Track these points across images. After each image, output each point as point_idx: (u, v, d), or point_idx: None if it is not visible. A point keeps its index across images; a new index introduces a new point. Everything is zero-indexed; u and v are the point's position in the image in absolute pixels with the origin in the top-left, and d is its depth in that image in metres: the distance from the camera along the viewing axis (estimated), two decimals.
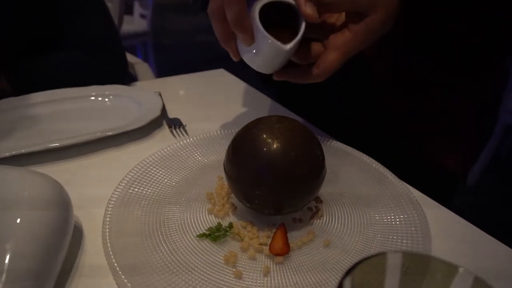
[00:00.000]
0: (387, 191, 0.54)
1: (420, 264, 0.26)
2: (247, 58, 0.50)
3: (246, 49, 0.48)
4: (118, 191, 0.50)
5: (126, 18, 2.86)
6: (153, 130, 0.69)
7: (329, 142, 0.64)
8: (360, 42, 0.47)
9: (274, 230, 0.45)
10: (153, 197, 0.51)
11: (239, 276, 0.40)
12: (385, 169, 0.57)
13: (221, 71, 1.01)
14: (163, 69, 3.07)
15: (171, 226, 0.46)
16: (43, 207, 0.38)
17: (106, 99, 0.75)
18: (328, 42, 0.48)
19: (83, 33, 0.80)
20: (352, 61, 0.50)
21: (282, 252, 0.42)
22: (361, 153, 0.61)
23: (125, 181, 0.52)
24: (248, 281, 0.40)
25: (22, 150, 0.56)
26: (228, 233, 0.45)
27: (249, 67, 0.52)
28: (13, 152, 0.56)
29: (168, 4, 5.31)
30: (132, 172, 0.54)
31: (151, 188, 0.52)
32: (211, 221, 0.48)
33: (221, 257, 0.42)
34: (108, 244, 0.42)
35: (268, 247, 0.43)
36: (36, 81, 0.75)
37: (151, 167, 0.56)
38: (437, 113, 0.67)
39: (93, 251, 0.43)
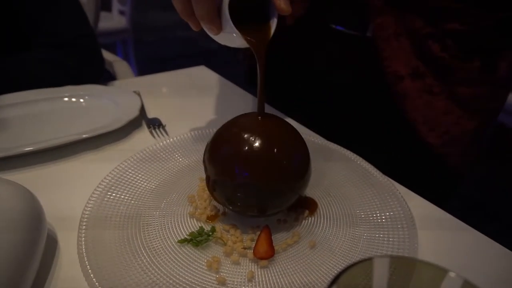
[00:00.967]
0: (372, 188, 0.53)
1: (408, 268, 0.25)
2: (209, 33, 0.48)
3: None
4: (94, 197, 0.48)
5: (105, 14, 2.79)
6: (131, 131, 0.67)
7: (312, 139, 0.63)
8: None
9: (258, 232, 0.44)
10: (132, 202, 0.49)
11: (222, 282, 0.39)
12: (370, 165, 0.57)
13: (202, 68, 0.99)
14: (144, 66, 3.01)
15: (151, 232, 0.45)
16: (12, 218, 0.36)
17: (81, 100, 0.73)
18: None
19: (54, 30, 0.77)
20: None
21: (266, 255, 0.41)
22: (346, 150, 0.60)
23: (102, 186, 0.50)
24: (232, 287, 0.39)
25: None
26: (210, 238, 0.43)
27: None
28: None
29: (147, 0, 5.22)
30: (109, 177, 0.52)
31: (129, 193, 0.50)
32: (193, 225, 0.46)
33: (203, 263, 0.41)
34: (84, 254, 0.40)
35: (252, 251, 0.42)
36: (5, 82, 0.71)
37: (129, 171, 0.54)
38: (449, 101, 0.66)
39: (68, 262, 0.41)
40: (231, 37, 0.45)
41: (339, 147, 0.61)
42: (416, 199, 0.53)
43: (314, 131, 0.67)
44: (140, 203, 0.49)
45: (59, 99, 0.72)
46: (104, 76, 1.01)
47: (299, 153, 0.44)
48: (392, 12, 0.61)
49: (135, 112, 0.67)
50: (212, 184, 0.45)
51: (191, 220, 0.47)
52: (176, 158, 0.58)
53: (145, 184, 0.52)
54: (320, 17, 0.70)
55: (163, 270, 0.40)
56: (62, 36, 0.77)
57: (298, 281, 0.39)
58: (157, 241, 0.44)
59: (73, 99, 0.72)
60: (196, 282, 0.39)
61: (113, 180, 0.51)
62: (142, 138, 0.66)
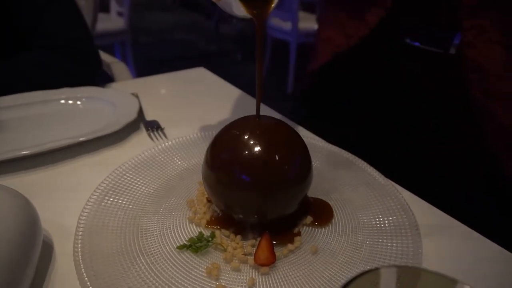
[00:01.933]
0: (374, 192, 0.52)
1: (415, 278, 0.24)
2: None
3: None
4: (91, 203, 0.47)
5: (103, 16, 2.78)
6: (129, 134, 0.66)
7: (314, 142, 0.62)
8: None
9: (259, 238, 0.43)
10: (130, 207, 0.48)
11: None
12: (372, 169, 0.56)
13: (201, 70, 0.98)
14: (142, 68, 3.00)
15: (149, 238, 0.44)
16: (7, 225, 0.35)
17: (78, 102, 0.72)
18: None
19: (50, 32, 0.76)
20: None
21: (267, 262, 0.40)
22: (348, 153, 0.60)
23: (99, 191, 0.49)
24: None
25: None
26: (210, 243, 0.43)
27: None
28: None
29: (145, 1, 5.22)
30: (107, 181, 0.51)
31: (127, 197, 0.49)
32: (192, 230, 0.46)
33: (203, 270, 0.40)
34: (80, 260, 0.39)
35: (253, 257, 0.41)
36: (0, 84, 0.70)
37: (127, 174, 0.53)
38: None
39: (64, 269, 0.40)
40: (232, 4, 0.44)
41: (340, 149, 0.61)
42: (420, 204, 0.52)
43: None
44: (138, 208, 0.48)
45: (55, 101, 0.71)
46: (102, 78, 1.01)
47: (300, 156, 0.44)
48: (489, 14, 0.53)
49: (133, 115, 0.66)
50: (211, 189, 0.44)
51: (190, 225, 0.46)
52: (174, 162, 0.58)
53: (143, 188, 0.52)
54: (394, 30, 0.63)
55: (161, 277, 0.39)
56: (58, 39, 0.77)
57: None
58: (156, 247, 0.43)
59: (70, 102, 0.71)
60: None
61: (110, 185, 0.50)
62: (141, 141, 0.65)
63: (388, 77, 0.68)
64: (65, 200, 0.50)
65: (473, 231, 0.47)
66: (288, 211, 0.44)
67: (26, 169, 0.56)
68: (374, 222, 0.48)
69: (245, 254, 0.42)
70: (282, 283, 0.39)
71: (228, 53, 3.86)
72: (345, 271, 0.41)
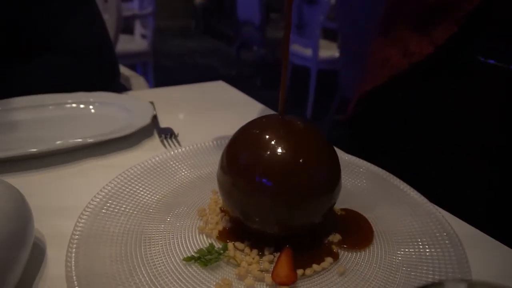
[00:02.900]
0: (410, 211, 0.46)
1: None
2: None
3: None
4: (91, 207, 0.42)
5: (127, 37, 2.86)
6: (141, 140, 0.62)
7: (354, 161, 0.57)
8: None
9: (278, 254, 0.38)
10: (134, 213, 0.43)
11: None
12: (408, 187, 0.50)
13: (220, 83, 0.95)
14: None
15: (153, 248, 0.39)
16: None
17: (91, 106, 0.69)
18: None
19: (72, 37, 0.75)
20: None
21: (288, 281, 0.35)
22: (376, 167, 0.54)
23: (102, 194, 0.44)
24: None
25: None
26: (221, 257, 0.37)
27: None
28: None
29: (169, 27, 5.38)
30: (112, 184, 0.46)
31: (132, 203, 0.45)
32: (202, 241, 0.40)
33: (212, 286, 0.35)
34: (73, 268, 0.34)
35: (270, 275, 0.35)
36: (17, 86, 0.69)
37: (134, 179, 0.49)
38: None
39: (55, 277, 0.36)
40: None
41: (369, 164, 0.55)
42: (465, 228, 0.46)
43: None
44: (143, 214, 0.43)
45: (68, 104, 0.68)
46: (120, 91, 0.99)
47: (329, 161, 0.39)
48: None
49: (146, 120, 0.63)
50: (226, 194, 0.39)
51: (200, 236, 0.41)
52: (187, 169, 0.53)
53: (151, 194, 0.47)
54: (463, 47, 0.56)
55: None
56: (78, 44, 0.75)
57: None
58: (160, 258, 0.38)
59: (82, 106, 0.69)
60: None
61: (115, 188, 0.46)
62: (153, 147, 0.61)
63: (455, 100, 0.59)
64: (65, 202, 0.46)
65: None
66: (313, 220, 0.38)
67: (30, 169, 0.52)
68: (410, 243, 0.42)
69: (261, 271, 0.36)
70: None
71: (248, 79, 3.88)
72: None
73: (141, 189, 0.47)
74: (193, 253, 0.38)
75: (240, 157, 0.38)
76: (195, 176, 0.52)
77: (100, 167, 0.55)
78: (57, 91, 0.70)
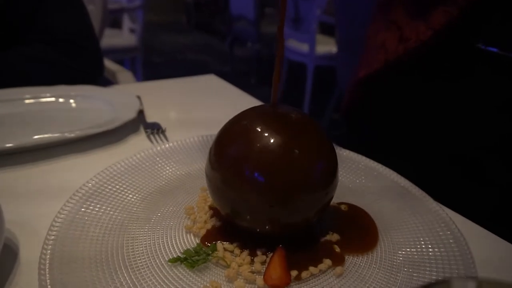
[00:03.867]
0: (411, 209, 0.45)
1: None
2: None
3: None
4: (70, 204, 0.41)
5: (115, 32, 2.83)
6: (126, 135, 0.61)
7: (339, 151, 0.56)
8: None
9: (271, 254, 0.36)
10: (116, 212, 0.42)
11: None
12: (410, 183, 0.49)
13: (211, 77, 0.94)
14: None
15: (136, 249, 0.37)
16: None
17: (71, 100, 0.67)
18: None
19: (48, 24, 0.72)
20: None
21: (280, 283, 0.33)
22: (378, 164, 0.53)
23: (82, 192, 0.43)
24: None
25: None
26: (210, 258, 0.36)
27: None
28: None
29: (160, 22, 5.34)
30: (93, 181, 0.45)
31: (114, 201, 0.43)
32: (190, 241, 0.39)
33: None
34: (47, 270, 0.32)
35: (262, 277, 0.34)
36: None
37: (117, 176, 0.47)
38: None
39: (28, 279, 0.34)
40: None
41: (368, 159, 0.54)
42: (468, 225, 0.45)
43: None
44: (126, 214, 0.42)
45: (45, 98, 0.66)
46: (105, 86, 0.97)
47: (325, 155, 0.37)
48: None
49: (132, 114, 0.61)
50: (215, 191, 0.38)
51: (188, 235, 0.40)
52: (174, 165, 0.52)
53: (135, 193, 0.45)
54: (463, 33, 0.55)
55: None
56: (56, 32, 0.73)
57: None
58: (143, 259, 0.36)
59: (61, 100, 0.67)
60: None
61: (95, 186, 0.44)
62: (139, 142, 0.60)
63: (455, 91, 0.58)
64: (41, 201, 0.44)
65: None
66: (307, 218, 0.37)
67: (5, 166, 0.51)
68: (412, 242, 0.40)
69: (252, 272, 0.35)
70: None
71: (242, 75, 3.87)
72: None
73: (124, 186, 0.46)
74: (179, 254, 0.37)
75: (229, 150, 0.37)
76: (183, 173, 0.51)
77: (81, 164, 0.53)
78: (34, 84, 0.68)
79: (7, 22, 0.71)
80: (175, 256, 0.36)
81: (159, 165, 0.51)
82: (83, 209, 0.41)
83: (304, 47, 2.87)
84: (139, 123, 0.65)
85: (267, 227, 0.37)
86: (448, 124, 0.59)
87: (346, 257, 0.38)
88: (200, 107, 0.76)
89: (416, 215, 0.44)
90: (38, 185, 0.48)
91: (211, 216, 0.41)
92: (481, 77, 0.55)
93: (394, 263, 0.38)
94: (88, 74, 0.77)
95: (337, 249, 0.39)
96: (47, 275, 0.32)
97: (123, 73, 1.19)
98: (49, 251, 0.34)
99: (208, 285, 0.33)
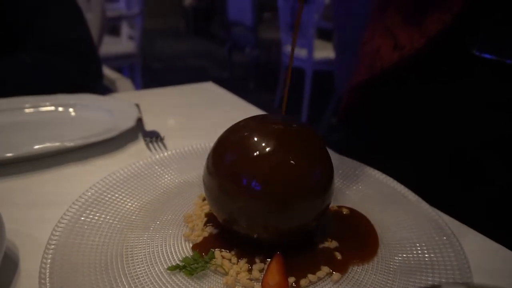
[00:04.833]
0: (407, 214, 0.46)
1: None
2: None
3: None
4: (70, 213, 0.41)
5: (113, 39, 2.84)
6: (125, 144, 0.61)
7: (335, 156, 0.56)
8: None
9: (268, 261, 0.37)
10: (116, 221, 0.42)
11: None
12: (406, 189, 0.50)
13: (210, 84, 0.94)
14: None
15: (136, 257, 0.38)
16: None
17: (71, 109, 0.68)
18: None
19: (45, 31, 0.73)
20: None
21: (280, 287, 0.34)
22: (376, 171, 0.54)
23: (81, 201, 0.43)
24: None
25: None
26: (208, 265, 0.36)
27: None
28: None
29: (158, 29, 5.37)
30: (92, 190, 0.45)
31: (114, 210, 0.44)
32: (188, 249, 0.39)
33: None
34: (47, 280, 0.33)
35: (260, 284, 0.34)
36: None
37: (117, 184, 0.48)
38: None
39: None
40: None
41: (364, 165, 0.55)
42: (463, 230, 0.45)
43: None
44: (126, 222, 0.42)
45: (45, 107, 0.67)
46: (104, 93, 0.98)
47: (321, 164, 0.38)
48: None
49: (130, 123, 0.62)
50: (213, 198, 0.38)
51: (186, 243, 0.40)
52: (173, 173, 0.52)
53: (134, 201, 0.46)
54: (457, 40, 0.55)
55: None
56: (53, 39, 0.73)
57: None
58: (142, 267, 0.37)
59: (60, 109, 0.67)
60: None
61: (95, 195, 0.45)
62: (137, 151, 0.60)
63: (450, 98, 0.58)
64: (41, 211, 0.45)
65: None
66: (305, 224, 0.38)
67: (5, 175, 0.51)
68: (408, 248, 0.41)
69: (250, 279, 0.35)
70: None
71: (241, 81, 3.88)
72: None
73: (123, 195, 0.46)
74: (178, 262, 0.37)
75: (226, 158, 0.38)
76: (181, 180, 0.51)
77: (80, 173, 0.54)
78: (33, 92, 0.69)
79: (6, 29, 0.72)
80: (174, 264, 0.37)
81: (158, 173, 0.52)
82: (82, 218, 0.41)
83: (302, 53, 2.88)
84: (138, 131, 0.65)
85: (264, 234, 0.37)
86: (447, 125, 0.60)
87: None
88: (199, 115, 0.77)
89: (412, 221, 0.44)
90: (38, 194, 0.48)
91: (208, 224, 0.42)
92: (477, 80, 0.55)
93: (391, 269, 0.39)
94: (87, 82, 0.78)
95: (339, 257, 0.39)
96: (48, 284, 0.32)
97: (122, 81, 1.20)
98: (49, 260, 0.35)
99: None
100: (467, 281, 0.35)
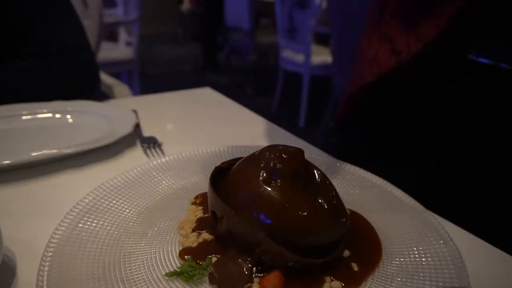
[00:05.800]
0: (404, 219, 0.46)
1: None
2: None
3: None
4: (67, 220, 0.41)
5: (111, 45, 2.85)
6: (122, 150, 0.61)
7: (332, 162, 0.57)
8: None
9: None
10: (113, 228, 0.42)
11: None
12: (403, 193, 0.50)
13: (207, 90, 0.95)
14: None
15: (134, 263, 0.38)
16: None
17: (68, 116, 0.68)
18: None
19: (42, 38, 0.73)
20: None
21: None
22: (371, 174, 0.54)
23: (79, 208, 0.43)
24: None
25: None
26: (205, 272, 0.36)
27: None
28: None
29: (156, 34, 5.39)
30: (90, 197, 0.45)
31: (111, 216, 0.44)
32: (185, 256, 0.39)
33: None
34: (45, 285, 0.33)
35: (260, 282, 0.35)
36: None
37: (114, 191, 0.48)
38: None
39: None
40: None
41: (362, 170, 0.55)
42: (458, 233, 0.46)
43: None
44: (123, 229, 0.42)
45: (42, 114, 0.67)
46: (101, 100, 0.98)
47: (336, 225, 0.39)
48: None
49: (128, 129, 0.62)
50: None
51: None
52: (171, 179, 0.52)
53: (131, 208, 0.46)
54: (453, 45, 0.55)
55: None
56: (50, 46, 0.74)
57: None
58: (140, 273, 0.37)
59: (57, 115, 0.67)
60: None
61: (93, 202, 0.45)
62: (135, 157, 0.60)
63: (447, 101, 0.59)
64: (38, 218, 0.45)
65: None
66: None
67: (2, 182, 0.51)
68: (406, 252, 0.41)
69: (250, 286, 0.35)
70: None
71: (238, 86, 3.90)
72: None
73: (120, 202, 0.46)
74: (176, 268, 0.37)
75: (241, 192, 0.39)
76: (179, 186, 0.51)
77: (78, 180, 0.54)
78: (30, 98, 0.69)
79: (3, 36, 0.72)
80: (171, 270, 0.37)
81: (156, 179, 0.52)
82: (80, 225, 0.41)
83: (300, 57, 2.89)
84: (136, 138, 0.65)
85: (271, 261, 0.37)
86: (445, 128, 0.60)
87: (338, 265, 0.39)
88: (196, 121, 0.77)
89: (409, 225, 0.45)
90: (35, 201, 0.48)
91: (202, 230, 0.42)
92: (474, 83, 0.56)
93: (388, 273, 0.39)
94: (85, 88, 0.78)
95: (355, 268, 0.39)
96: None
97: (119, 87, 1.21)
98: (46, 268, 0.35)
99: None
100: (464, 285, 0.35)
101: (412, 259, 0.40)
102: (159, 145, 0.63)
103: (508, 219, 0.54)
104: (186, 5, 5.79)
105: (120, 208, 0.45)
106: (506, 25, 0.51)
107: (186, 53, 5.05)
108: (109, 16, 2.74)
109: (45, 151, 0.53)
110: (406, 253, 0.41)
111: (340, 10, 1.21)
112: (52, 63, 0.73)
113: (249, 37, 3.88)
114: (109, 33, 2.97)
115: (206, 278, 0.36)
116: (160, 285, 0.35)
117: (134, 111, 0.72)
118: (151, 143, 0.63)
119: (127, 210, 0.45)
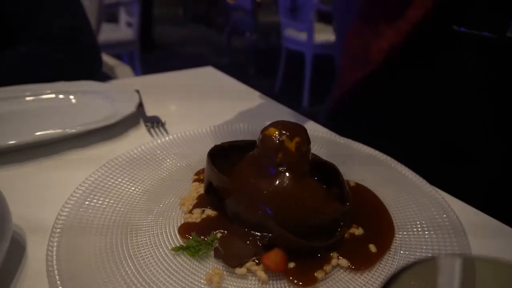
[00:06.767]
0: (407, 193, 0.46)
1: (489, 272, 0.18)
2: None
3: None
4: (73, 199, 0.42)
5: (111, 26, 2.82)
6: (126, 129, 0.62)
7: (336, 139, 0.57)
8: None
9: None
10: (119, 204, 0.43)
11: None
12: (406, 169, 0.50)
13: (210, 69, 0.94)
14: None
15: (140, 238, 0.39)
16: None
17: (71, 96, 0.68)
18: None
19: (42, 22, 0.72)
20: None
21: (276, 268, 0.34)
22: (373, 150, 0.54)
23: (85, 185, 0.44)
24: None
25: None
26: (211, 246, 0.37)
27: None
28: None
29: (157, 15, 5.32)
30: (96, 175, 0.46)
31: (117, 193, 0.44)
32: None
33: (202, 276, 0.34)
34: (54, 262, 0.34)
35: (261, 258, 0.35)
36: None
37: (119, 169, 0.48)
38: None
39: (36, 273, 0.35)
40: None
41: (365, 146, 0.55)
42: (462, 207, 0.46)
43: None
44: (129, 206, 0.43)
45: (45, 95, 0.67)
46: (103, 81, 0.98)
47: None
48: None
49: (131, 109, 0.62)
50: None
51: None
52: (174, 158, 0.53)
53: (137, 185, 0.47)
54: (443, 19, 0.58)
55: (151, 283, 0.33)
56: (51, 29, 0.73)
57: None
58: (147, 248, 0.37)
59: (61, 96, 0.67)
60: None
61: (98, 180, 0.45)
62: (139, 136, 0.60)
63: (436, 74, 0.61)
64: (46, 196, 0.45)
65: None
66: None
67: (9, 162, 0.52)
68: (409, 226, 0.42)
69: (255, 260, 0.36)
70: None
71: (240, 67, 3.86)
72: (378, 280, 0.35)
73: (126, 179, 0.47)
74: (181, 243, 0.38)
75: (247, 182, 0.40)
76: (183, 164, 0.52)
77: (83, 159, 0.54)
78: (34, 82, 0.68)
79: (3, 22, 0.71)
80: (177, 245, 0.38)
81: (160, 157, 0.52)
82: (87, 202, 0.42)
83: (302, 36, 2.86)
84: (139, 117, 0.65)
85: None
86: (442, 109, 0.61)
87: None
88: (199, 99, 0.77)
89: (412, 199, 0.45)
90: (41, 181, 0.49)
91: (204, 206, 0.42)
92: (459, 53, 0.57)
93: (392, 246, 0.39)
94: (87, 70, 0.78)
95: (373, 249, 0.38)
96: (55, 266, 0.33)
97: (121, 68, 1.20)
98: (55, 243, 0.36)
99: (210, 271, 0.35)
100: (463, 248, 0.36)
101: (415, 233, 0.41)
102: (163, 124, 0.63)
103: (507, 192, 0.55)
104: None
105: (125, 185, 0.46)
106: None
107: (187, 34, 4.99)
108: None
109: (49, 131, 0.54)
110: (409, 226, 0.42)
111: None
112: (53, 47, 0.73)
113: (250, 16, 3.83)
114: (110, 14, 2.94)
115: (211, 253, 0.37)
116: (167, 260, 0.36)
117: (137, 91, 0.72)
118: (154, 123, 0.63)
119: (133, 188, 0.46)
